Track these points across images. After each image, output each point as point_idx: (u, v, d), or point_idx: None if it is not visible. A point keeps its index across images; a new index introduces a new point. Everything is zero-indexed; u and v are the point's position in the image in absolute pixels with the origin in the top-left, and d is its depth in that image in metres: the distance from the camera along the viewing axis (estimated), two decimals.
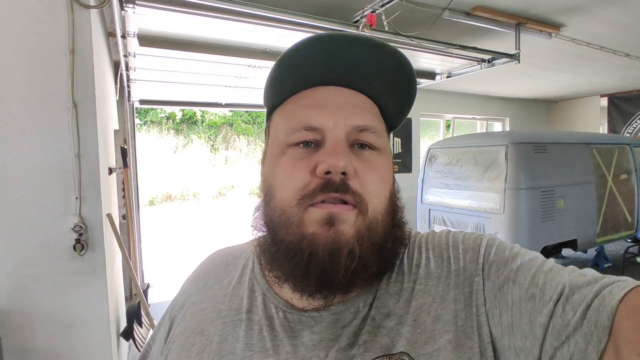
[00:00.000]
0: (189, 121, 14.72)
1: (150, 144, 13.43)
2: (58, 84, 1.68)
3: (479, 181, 3.90)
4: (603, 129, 7.09)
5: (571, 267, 0.43)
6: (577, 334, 0.36)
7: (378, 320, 0.46)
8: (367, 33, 2.41)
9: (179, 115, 14.36)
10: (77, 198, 1.72)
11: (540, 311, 0.39)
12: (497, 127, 7.60)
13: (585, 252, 4.69)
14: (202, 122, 14.90)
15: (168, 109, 13.71)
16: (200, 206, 12.89)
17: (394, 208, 0.49)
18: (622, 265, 4.56)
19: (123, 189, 3.81)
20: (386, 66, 0.47)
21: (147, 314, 2.38)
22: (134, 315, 2.35)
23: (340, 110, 0.46)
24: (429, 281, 0.48)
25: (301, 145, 0.46)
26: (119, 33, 2.23)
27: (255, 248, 0.52)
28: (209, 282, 0.57)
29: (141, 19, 2.36)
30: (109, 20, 2.43)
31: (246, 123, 15.70)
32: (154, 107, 11.86)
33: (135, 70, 3.18)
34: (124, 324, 2.40)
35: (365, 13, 2.39)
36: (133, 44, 2.48)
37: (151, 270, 5.38)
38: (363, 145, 0.47)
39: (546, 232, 3.77)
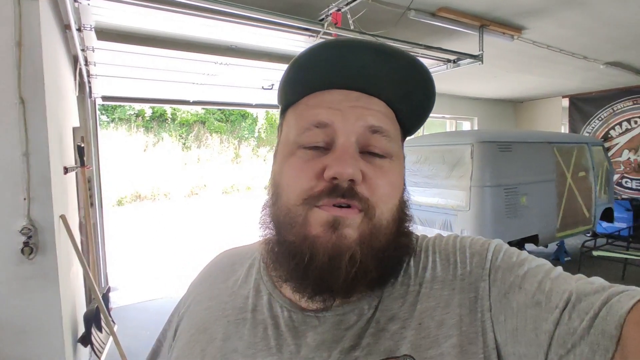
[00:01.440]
0: (160, 119, 14.34)
1: (119, 142, 13.01)
2: (4, 79, 1.60)
3: (446, 179, 3.99)
4: (565, 129, 7.40)
5: (579, 275, 0.43)
6: (584, 342, 0.35)
7: (382, 323, 0.45)
8: (333, 31, 2.41)
9: (148, 112, 13.96)
10: (25, 199, 1.64)
11: (545, 318, 0.38)
12: (466, 126, 7.80)
13: (546, 246, 4.88)
14: (173, 120, 14.56)
15: (137, 106, 13.31)
16: (171, 206, 12.60)
17: (401, 216, 0.49)
18: (580, 259, 4.77)
19: (89, 190, 3.66)
20: (400, 74, 0.47)
21: (106, 318, 2.29)
22: (93, 319, 2.27)
23: (351, 112, 0.46)
24: (435, 285, 0.48)
25: (311, 148, 0.47)
26: (73, 26, 2.13)
27: (261, 246, 0.52)
28: (215, 281, 0.58)
29: (98, 11, 2.26)
30: (64, 13, 2.32)
31: (219, 121, 15.46)
32: (119, 104, 11.47)
33: (95, 65, 3.06)
34: (83, 329, 2.30)
35: (330, 11, 2.39)
36: (90, 37, 2.38)
37: (118, 272, 5.22)
38: (372, 154, 0.47)
39: (510, 228, 3.89)
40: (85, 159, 2.47)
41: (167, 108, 13.99)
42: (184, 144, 14.66)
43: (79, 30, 2.28)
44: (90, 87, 3.66)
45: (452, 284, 0.47)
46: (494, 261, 0.47)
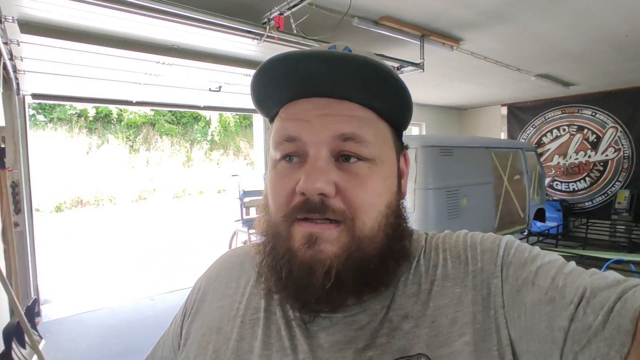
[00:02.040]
0: (104, 120, 13.57)
1: (58, 144, 12.15)
2: None
3: None
4: (505, 135, 7.90)
5: (593, 269, 0.42)
6: (599, 337, 0.35)
7: (395, 323, 0.45)
8: (275, 34, 2.41)
9: (92, 112, 13.17)
10: None
11: (559, 314, 0.38)
12: (414, 131, 8.11)
13: None
14: (120, 121, 13.83)
15: (79, 106, 12.51)
16: (117, 211, 11.94)
17: (391, 221, 0.48)
18: None
19: (16, 194, 3.37)
20: (356, 76, 0.45)
21: (29, 333, 2.12)
22: (13, 334, 2.09)
23: (319, 121, 0.45)
24: (446, 282, 0.47)
25: (287, 159, 0.47)
26: None
27: (254, 257, 0.53)
28: (224, 280, 0.58)
29: (24, 3, 2.11)
30: None
31: (170, 123, 14.90)
32: (54, 102, 10.74)
33: (22, 60, 2.84)
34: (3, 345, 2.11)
35: (272, 15, 2.39)
36: (13, 30, 2.21)
37: (53, 283, 4.87)
38: (349, 157, 0.45)
39: (451, 229, 3.99)
40: (5, 160, 2.28)
41: (113, 108, 13.27)
42: (132, 146, 13.97)
43: None
44: (17, 84, 3.39)
45: (463, 281, 0.47)
46: (506, 257, 0.47)
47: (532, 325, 0.40)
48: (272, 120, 0.52)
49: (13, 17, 2.09)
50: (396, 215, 0.49)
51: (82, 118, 13.08)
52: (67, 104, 11.23)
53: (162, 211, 11.76)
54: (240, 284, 0.56)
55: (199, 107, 5.21)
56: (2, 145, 2.26)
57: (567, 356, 0.37)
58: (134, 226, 9.74)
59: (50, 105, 12.11)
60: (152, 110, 13.67)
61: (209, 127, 15.84)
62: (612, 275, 0.40)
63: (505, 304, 0.44)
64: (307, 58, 0.45)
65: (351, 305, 0.47)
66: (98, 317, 3.89)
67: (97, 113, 13.24)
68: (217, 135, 15.99)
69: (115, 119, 13.72)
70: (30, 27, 2.41)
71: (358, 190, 0.45)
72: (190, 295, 0.60)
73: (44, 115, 12.31)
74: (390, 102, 0.49)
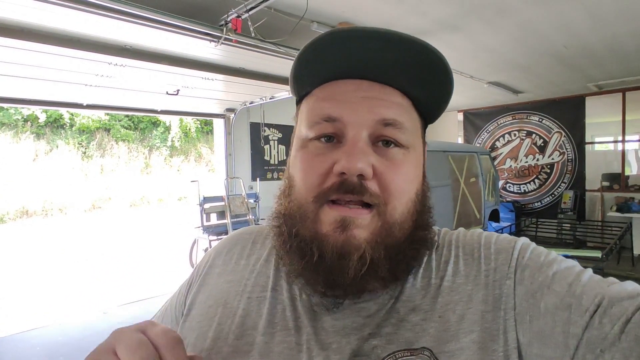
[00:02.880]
0: (54, 124, 12.80)
1: (1, 150, 11.31)
2: None
3: None
4: (461, 140, 8.24)
5: (612, 278, 0.42)
6: (614, 348, 0.35)
7: (403, 314, 0.45)
8: (233, 37, 2.39)
9: (42, 117, 12.37)
10: None
11: (575, 321, 0.38)
12: None
13: None
14: (71, 125, 13.09)
15: (25, 110, 11.72)
16: (68, 222, 11.26)
17: (419, 209, 0.48)
18: None
19: None
20: (410, 60, 0.44)
21: None
22: None
23: (362, 104, 0.45)
24: (457, 279, 0.47)
25: (322, 139, 0.45)
26: None
27: (274, 238, 0.51)
28: (234, 256, 0.57)
29: None
30: None
31: (126, 128, 14.29)
32: None
33: None
34: None
35: (230, 17, 2.37)
36: None
37: None
38: (388, 143, 0.45)
39: None
40: None
41: (64, 112, 12.54)
42: (85, 152, 13.26)
43: None
44: None
45: (475, 280, 0.46)
46: (521, 259, 0.46)
47: (546, 330, 0.40)
48: (300, 100, 0.52)
49: None
50: (422, 204, 0.49)
51: (29, 123, 12.27)
52: (10, 106, 10.50)
53: (119, 220, 11.24)
54: (250, 261, 0.56)
55: (156, 111, 5.04)
56: None
57: None
58: (87, 237, 9.22)
59: None
60: (107, 114, 13.06)
61: (169, 133, 15.35)
62: (632, 285, 0.40)
63: (516, 306, 0.43)
64: (370, 35, 0.44)
65: (376, 291, 0.47)
66: (44, 334, 3.64)
67: (47, 117, 12.46)
68: (178, 141, 15.53)
69: (66, 124, 12.97)
70: None
71: (393, 175, 0.45)
72: (198, 268, 0.60)
73: None
74: (433, 91, 0.48)
